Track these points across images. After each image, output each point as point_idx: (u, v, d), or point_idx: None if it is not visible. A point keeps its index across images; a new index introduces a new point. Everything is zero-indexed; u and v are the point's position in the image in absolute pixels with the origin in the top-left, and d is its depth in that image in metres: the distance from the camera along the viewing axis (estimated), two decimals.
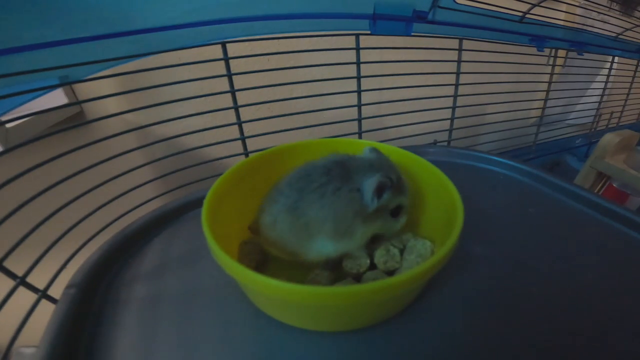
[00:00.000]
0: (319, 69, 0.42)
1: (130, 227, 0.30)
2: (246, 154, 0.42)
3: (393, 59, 0.44)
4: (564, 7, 0.67)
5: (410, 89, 0.46)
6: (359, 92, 0.44)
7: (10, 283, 0.23)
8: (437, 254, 0.18)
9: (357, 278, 0.24)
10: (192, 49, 0.35)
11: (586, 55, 0.69)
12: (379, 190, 0.22)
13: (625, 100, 0.86)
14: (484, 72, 0.51)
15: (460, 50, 0.49)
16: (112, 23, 0.29)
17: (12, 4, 0.24)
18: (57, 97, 0.43)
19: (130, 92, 0.33)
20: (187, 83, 0.35)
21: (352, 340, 0.21)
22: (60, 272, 0.27)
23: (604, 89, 0.79)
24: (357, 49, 0.42)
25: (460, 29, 0.46)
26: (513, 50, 0.54)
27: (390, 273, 0.24)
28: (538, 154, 0.71)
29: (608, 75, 0.78)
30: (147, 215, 0.31)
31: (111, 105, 0.40)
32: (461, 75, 0.50)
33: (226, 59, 0.37)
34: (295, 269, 0.24)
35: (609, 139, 0.55)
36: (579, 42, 0.64)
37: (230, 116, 0.39)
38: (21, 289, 0.24)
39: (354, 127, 0.47)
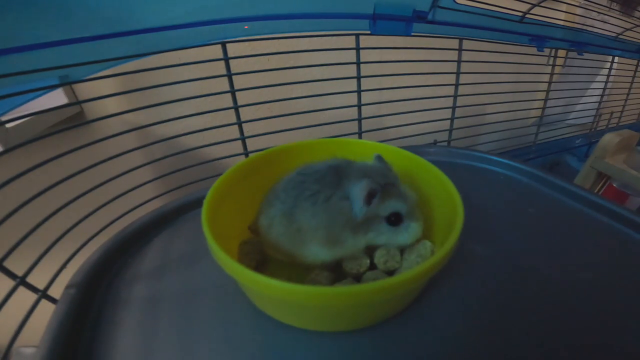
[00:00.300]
0: (319, 69, 0.42)
1: (130, 227, 0.30)
2: (246, 154, 0.42)
3: (393, 59, 0.44)
4: (564, 7, 0.67)
5: (410, 89, 0.46)
6: (359, 92, 0.44)
7: (10, 283, 0.23)
8: (437, 254, 0.18)
9: (357, 278, 0.24)
10: (192, 49, 0.35)
11: (586, 55, 0.69)
12: (368, 197, 0.22)
13: (625, 100, 0.86)
14: (484, 72, 0.51)
15: (460, 50, 0.49)
16: (112, 23, 0.29)
17: (12, 4, 0.24)
18: (57, 97, 0.43)
19: (130, 92, 0.33)
20: (187, 83, 0.35)
21: (352, 340, 0.21)
22: (60, 272, 0.27)
23: (604, 89, 0.79)
24: (357, 49, 0.42)
25: (460, 29, 0.46)
26: (513, 50, 0.54)
27: (390, 273, 0.24)
28: (538, 154, 0.71)
29: (608, 75, 0.78)
30: (147, 216, 0.31)
31: (111, 105, 0.40)
32: (461, 75, 0.50)
33: (226, 59, 0.37)
34: (295, 268, 0.24)
35: (609, 139, 0.55)
36: (579, 42, 0.64)
37: (230, 116, 0.39)
38: (21, 289, 0.24)
39: (354, 127, 0.47)
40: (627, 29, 0.66)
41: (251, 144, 0.42)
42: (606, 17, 0.67)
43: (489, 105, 0.55)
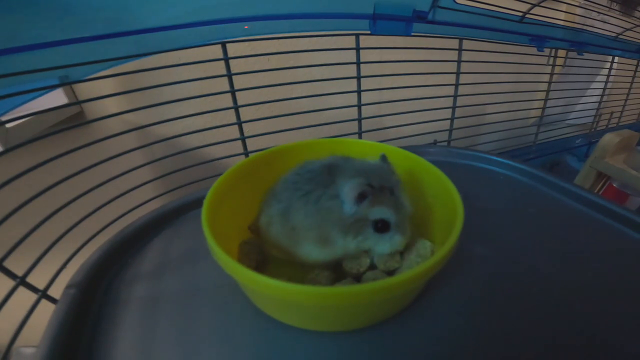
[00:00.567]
0: (319, 68, 0.42)
1: (130, 227, 0.30)
2: (246, 154, 0.42)
3: (393, 59, 0.44)
4: (564, 7, 0.67)
5: (410, 88, 0.46)
6: (359, 92, 0.44)
7: (10, 283, 0.23)
8: (437, 254, 0.18)
9: (357, 278, 0.24)
10: (192, 49, 0.35)
11: (586, 55, 0.69)
12: (359, 197, 0.21)
13: (625, 100, 0.86)
14: (484, 72, 0.51)
15: (460, 50, 0.49)
16: (112, 23, 0.29)
17: (12, 4, 0.24)
18: (57, 97, 0.43)
19: (130, 92, 0.33)
20: (187, 83, 0.35)
21: (352, 340, 0.21)
22: (60, 272, 0.27)
23: (604, 89, 0.79)
24: (357, 49, 0.42)
25: (460, 29, 0.46)
26: (513, 50, 0.54)
27: (391, 273, 0.24)
28: (538, 154, 0.71)
29: (608, 75, 0.78)
30: (147, 216, 0.31)
31: (111, 105, 0.40)
32: (461, 75, 0.50)
33: (226, 59, 0.37)
34: (295, 268, 0.24)
35: (609, 139, 0.55)
36: (579, 42, 0.64)
37: (230, 116, 0.39)
38: (21, 289, 0.24)
39: (354, 127, 0.47)
40: (627, 29, 0.66)
41: (251, 144, 0.42)
42: (606, 17, 0.67)
43: (489, 105, 0.55)
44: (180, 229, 0.31)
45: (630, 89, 0.85)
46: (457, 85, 0.50)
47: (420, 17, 0.41)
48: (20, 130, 0.37)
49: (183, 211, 0.33)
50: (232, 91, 0.38)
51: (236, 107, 0.39)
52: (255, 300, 0.22)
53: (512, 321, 0.22)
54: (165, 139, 0.36)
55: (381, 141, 0.31)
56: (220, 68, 0.37)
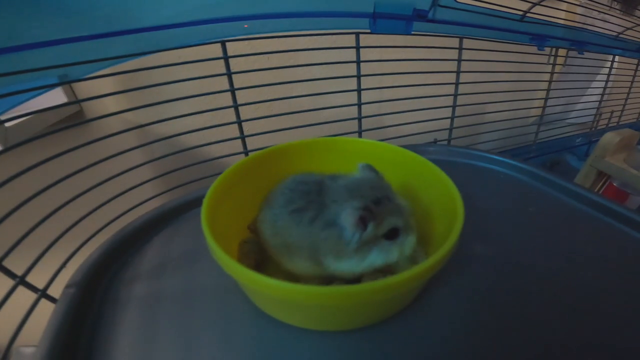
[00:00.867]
0: (319, 67, 0.42)
1: (129, 227, 0.30)
2: (246, 153, 0.42)
3: (393, 58, 0.44)
4: (564, 6, 0.67)
5: (410, 87, 0.46)
6: (359, 90, 0.44)
7: (10, 282, 0.23)
8: (437, 253, 0.18)
9: (358, 278, 0.24)
10: (192, 48, 0.35)
11: (587, 55, 0.68)
12: (361, 222, 0.20)
13: (626, 99, 0.86)
14: (484, 71, 0.51)
15: (460, 49, 0.49)
16: (111, 21, 0.29)
17: (11, 3, 0.24)
18: (56, 96, 0.43)
19: (129, 90, 0.33)
20: (187, 82, 0.35)
21: (352, 340, 0.21)
22: (59, 271, 0.27)
23: (605, 88, 0.79)
24: (357, 47, 0.42)
25: (461, 28, 0.46)
26: (513, 49, 0.54)
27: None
28: (538, 153, 0.71)
29: (608, 75, 0.78)
30: (146, 215, 0.31)
31: (110, 104, 0.40)
32: (461, 74, 0.50)
33: (226, 57, 0.37)
34: None
35: (609, 138, 0.55)
36: (580, 41, 0.64)
37: (230, 115, 0.39)
38: (21, 288, 0.24)
39: (354, 125, 0.46)
40: (628, 28, 0.65)
41: (251, 143, 0.42)
42: (607, 16, 0.66)
43: (489, 104, 0.55)
44: (179, 228, 0.31)
45: (630, 88, 0.85)
46: (457, 84, 0.50)
47: (420, 15, 0.41)
48: (20, 129, 0.37)
49: (183, 210, 0.33)
50: (232, 90, 0.38)
51: (236, 106, 0.39)
52: (255, 300, 0.22)
53: (512, 320, 0.21)
54: (165, 138, 0.36)
55: (381, 140, 0.31)
56: (219, 67, 0.37)
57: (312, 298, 0.17)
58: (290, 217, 0.22)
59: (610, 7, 0.66)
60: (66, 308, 0.22)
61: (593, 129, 0.86)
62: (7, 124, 0.35)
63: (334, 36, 0.41)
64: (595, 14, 0.67)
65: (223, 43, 0.36)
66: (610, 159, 0.55)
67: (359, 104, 0.45)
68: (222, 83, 0.38)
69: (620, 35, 0.67)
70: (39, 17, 0.26)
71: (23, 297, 0.23)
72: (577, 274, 0.25)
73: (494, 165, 0.41)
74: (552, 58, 0.63)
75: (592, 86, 0.80)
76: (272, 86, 0.40)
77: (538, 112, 0.68)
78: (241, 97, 0.39)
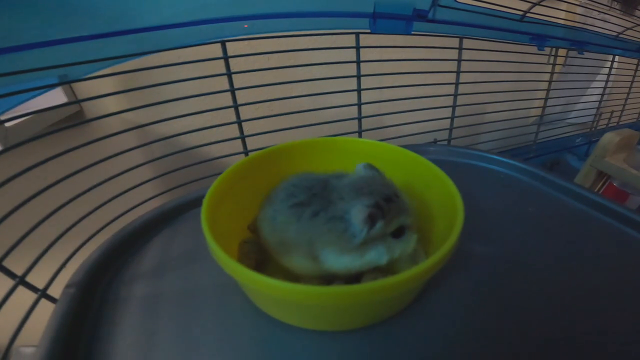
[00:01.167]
0: (318, 67, 0.42)
1: (129, 226, 0.30)
2: (246, 153, 0.42)
3: (393, 58, 0.44)
4: (564, 6, 0.67)
5: (410, 87, 0.46)
6: (358, 90, 0.44)
7: (10, 282, 0.23)
8: (437, 253, 0.18)
9: (357, 277, 0.24)
10: (192, 48, 0.35)
11: (587, 55, 0.68)
12: (370, 219, 0.20)
13: (626, 99, 0.86)
14: (484, 71, 0.51)
15: (460, 49, 0.49)
16: (111, 21, 0.29)
17: (11, 3, 0.24)
18: (56, 96, 0.43)
19: (129, 90, 0.33)
20: (187, 82, 0.35)
21: (352, 340, 0.21)
22: (59, 271, 0.27)
23: (605, 88, 0.79)
24: (357, 47, 0.42)
25: (461, 28, 0.46)
26: (513, 49, 0.54)
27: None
28: (538, 153, 0.71)
29: (608, 75, 0.78)
30: (146, 215, 0.31)
31: (110, 104, 0.40)
32: (461, 74, 0.50)
33: (226, 57, 0.37)
34: None
35: (609, 138, 0.55)
36: (580, 41, 0.64)
37: (230, 115, 0.39)
38: (21, 288, 0.24)
39: (354, 125, 0.46)
40: (628, 28, 0.65)
41: (251, 143, 0.42)
42: (607, 16, 0.66)
43: (489, 104, 0.55)
44: (179, 228, 0.31)
45: (630, 88, 0.85)
46: (457, 84, 0.50)
47: (420, 15, 0.41)
48: (20, 129, 0.37)
49: (183, 210, 0.33)
50: (232, 90, 0.38)
51: (236, 106, 0.39)
52: (255, 300, 0.22)
53: (512, 320, 0.21)
54: (165, 138, 0.36)
55: (381, 140, 0.31)
56: (219, 67, 0.37)
57: (312, 298, 0.17)
58: (290, 211, 0.22)
59: (610, 7, 0.66)
60: (66, 308, 0.22)
61: (593, 129, 0.86)
62: (7, 124, 0.35)
63: (334, 36, 0.41)
64: (595, 14, 0.67)
65: (223, 43, 0.36)
66: (610, 159, 0.55)
67: (359, 104, 0.45)
68: (222, 83, 0.38)
69: (620, 35, 0.67)
70: (39, 17, 0.25)
71: (23, 297, 0.23)
72: (577, 274, 0.25)
73: (494, 165, 0.41)
74: (552, 58, 0.63)
75: (592, 86, 0.80)
76: (272, 86, 0.40)
77: (538, 112, 0.68)
78: (241, 97, 0.39)
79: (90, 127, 0.47)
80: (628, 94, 0.85)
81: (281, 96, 0.41)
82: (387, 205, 0.20)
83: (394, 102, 0.47)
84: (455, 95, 0.51)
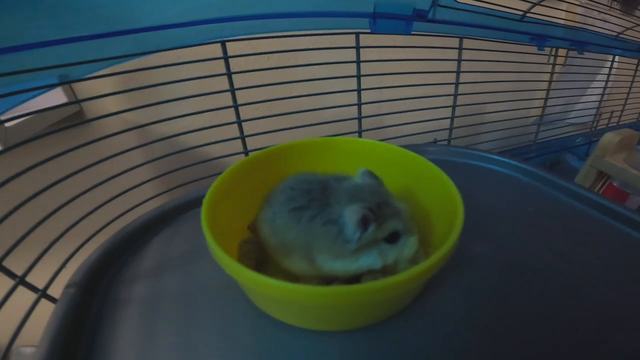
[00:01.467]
0: (318, 67, 0.42)
1: (129, 227, 0.30)
2: (246, 153, 0.42)
3: (393, 58, 0.44)
4: (564, 6, 0.67)
5: (410, 87, 0.46)
6: (358, 90, 0.44)
7: (10, 282, 0.23)
8: (437, 253, 0.18)
9: (357, 277, 0.24)
10: (192, 48, 0.35)
11: (587, 55, 0.68)
12: (363, 222, 0.20)
13: (626, 99, 0.86)
14: (484, 71, 0.51)
15: (460, 49, 0.49)
16: (111, 21, 0.29)
17: (11, 3, 0.24)
18: (56, 96, 0.43)
19: (129, 90, 0.33)
20: (187, 82, 0.35)
21: (353, 340, 0.21)
22: (59, 271, 0.27)
23: (605, 88, 0.79)
24: (357, 47, 0.42)
25: (461, 28, 0.46)
26: (513, 49, 0.54)
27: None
28: (538, 153, 0.71)
29: (608, 75, 0.78)
30: (146, 215, 0.31)
31: (110, 104, 0.40)
32: (461, 74, 0.50)
33: (226, 57, 0.37)
34: None
35: (610, 138, 0.55)
36: (580, 41, 0.64)
37: (230, 115, 0.39)
38: (21, 288, 0.24)
39: (354, 125, 0.46)
40: (628, 28, 0.65)
41: (251, 143, 0.42)
42: (607, 16, 0.66)
43: (489, 104, 0.55)
44: (179, 228, 0.31)
45: (630, 88, 0.85)
46: (457, 84, 0.50)
47: (420, 15, 0.41)
48: (20, 129, 0.37)
49: (183, 210, 0.33)
50: (232, 90, 0.38)
51: (236, 106, 0.39)
52: (255, 300, 0.22)
53: (512, 320, 0.21)
54: (165, 138, 0.36)
55: (381, 140, 0.31)
56: (219, 67, 0.37)
57: (312, 298, 0.17)
58: (290, 215, 0.22)
59: (610, 7, 0.66)
60: (66, 308, 0.22)
61: (593, 129, 0.86)
62: (7, 124, 0.35)
63: (334, 36, 0.41)
64: (595, 14, 0.67)
65: (223, 43, 0.36)
66: (610, 159, 0.55)
67: (359, 104, 0.45)
68: (222, 83, 0.38)
69: (620, 35, 0.67)
70: (39, 16, 0.25)
71: (23, 297, 0.23)
72: (577, 274, 0.25)
73: (494, 165, 0.41)
74: (552, 58, 0.63)
75: (592, 86, 0.80)
76: (272, 86, 0.40)
77: (538, 112, 0.68)
78: (241, 97, 0.39)
79: (90, 127, 0.47)
80: (628, 94, 0.85)
81: (281, 96, 0.41)
82: (379, 210, 0.21)
83: (394, 102, 0.47)
84: (455, 95, 0.51)
